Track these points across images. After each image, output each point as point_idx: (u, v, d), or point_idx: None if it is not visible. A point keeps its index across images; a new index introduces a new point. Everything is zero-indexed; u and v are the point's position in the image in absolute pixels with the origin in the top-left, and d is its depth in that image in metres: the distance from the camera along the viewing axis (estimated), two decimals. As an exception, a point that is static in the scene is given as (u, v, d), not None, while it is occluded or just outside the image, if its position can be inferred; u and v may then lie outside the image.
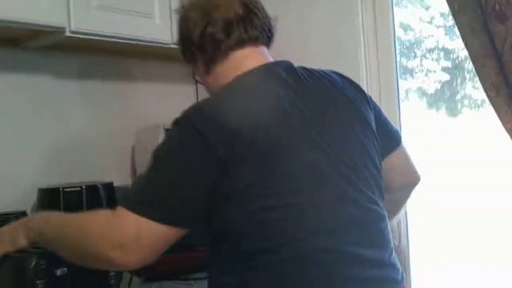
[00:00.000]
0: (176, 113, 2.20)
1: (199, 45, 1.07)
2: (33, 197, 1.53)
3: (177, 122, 0.98)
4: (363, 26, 1.66)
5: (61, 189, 1.45)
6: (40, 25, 1.43)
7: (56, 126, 1.70)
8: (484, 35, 1.29)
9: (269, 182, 0.91)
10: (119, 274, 1.28)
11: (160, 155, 0.96)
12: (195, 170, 0.91)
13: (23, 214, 1.48)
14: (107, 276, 1.20)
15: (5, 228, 1.08)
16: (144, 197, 0.93)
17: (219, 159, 0.89)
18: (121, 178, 1.68)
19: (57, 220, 1.04)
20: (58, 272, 1.09)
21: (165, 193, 0.92)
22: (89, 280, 1.17)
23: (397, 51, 1.67)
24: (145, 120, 1.95)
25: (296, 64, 1.07)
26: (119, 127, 1.87)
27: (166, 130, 1.06)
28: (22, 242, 1.03)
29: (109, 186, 1.55)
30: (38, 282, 1.07)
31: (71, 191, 1.46)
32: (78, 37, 1.51)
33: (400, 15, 1.81)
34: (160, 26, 1.70)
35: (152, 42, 1.70)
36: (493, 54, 1.29)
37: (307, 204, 0.92)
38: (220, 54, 1.06)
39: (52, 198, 1.46)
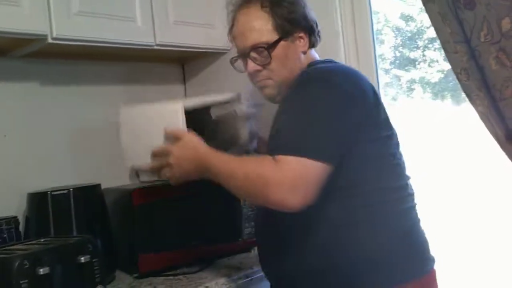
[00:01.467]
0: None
1: (311, 28, 1.29)
2: (24, 202, 1.57)
3: (319, 79, 1.18)
4: (341, 19, 1.68)
5: (49, 193, 1.49)
6: (22, 33, 1.47)
7: (44, 132, 1.74)
8: (454, 21, 1.30)
9: (393, 136, 1.22)
10: (105, 271, 1.31)
11: (309, 106, 1.13)
12: (345, 119, 1.12)
13: (15, 219, 1.52)
14: (92, 273, 1.23)
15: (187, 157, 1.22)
16: (303, 140, 1.08)
17: (365, 111, 1.15)
18: (110, 180, 1.70)
19: (228, 162, 1.16)
20: (41, 271, 1.12)
21: (324, 135, 1.09)
22: (73, 278, 1.20)
23: (394, 43, 1.68)
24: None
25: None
26: (108, 130, 1.90)
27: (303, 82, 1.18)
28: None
29: (97, 188, 1.58)
30: (22, 282, 1.10)
31: (59, 194, 1.49)
32: (61, 44, 1.55)
33: (401, 7, 1.82)
34: (142, 29, 1.73)
35: (135, 44, 1.73)
36: (463, 40, 1.30)
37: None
38: (316, 42, 1.32)
39: (41, 202, 1.49)
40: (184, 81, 2.20)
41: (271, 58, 1.25)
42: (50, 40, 1.51)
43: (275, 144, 1.14)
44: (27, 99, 1.72)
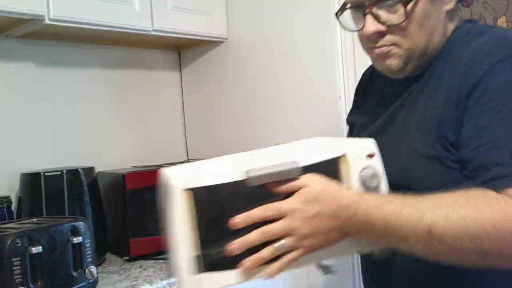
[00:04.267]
0: (162, 100, 2.22)
1: None
2: (16, 182, 1.57)
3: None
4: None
5: (42, 173, 1.49)
6: (19, 13, 1.46)
7: (38, 113, 1.74)
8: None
9: None
10: (97, 253, 1.31)
11: None
12: None
13: (7, 198, 1.52)
14: (83, 255, 1.24)
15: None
16: None
17: None
18: (104, 164, 1.71)
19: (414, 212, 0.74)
20: (33, 250, 1.12)
21: None
22: (65, 259, 1.21)
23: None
24: (130, 107, 2.00)
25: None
26: (101, 114, 1.90)
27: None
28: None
29: (90, 171, 1.58)
30: (13, 260, 1.11)
31: (52, 176, 1.49)
32: (58, 25, 1.54)
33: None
34: (139, 14, 1.72)
35: (132, 29, 1.72)
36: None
37: None
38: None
39: (33, 183, 1.49)
40: (180, 68, 2.21)
41: (406, 17, 0.87)
42: (47, 21, 1.50)
43: (493, 168, 0.75)
44: (21, 79, 1.72)
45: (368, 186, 0.79)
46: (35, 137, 1.71)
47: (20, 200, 1.53)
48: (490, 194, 0.73)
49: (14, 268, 1.11)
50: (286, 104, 1.81)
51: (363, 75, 1.13)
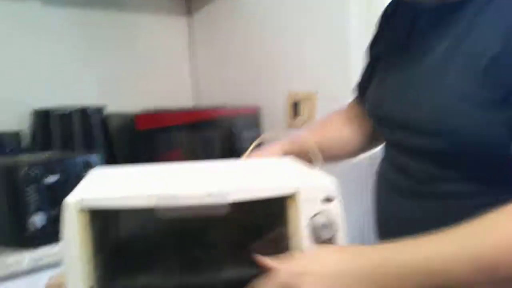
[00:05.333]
0: (169, 45, 2.20)
1: None
2: (27, 119, 1.57)
3: None
4: None
5: (52, 111, 1.49)
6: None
7: (51, 51, 1.72)
8: None
9: None
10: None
11: None
12: None
13: (16, 134, 1.53)
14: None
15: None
16: None
17: None
18: (114, 104, 1.71)
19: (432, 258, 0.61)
20: (46, 180, 1.14)
21: None
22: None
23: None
24: (136, 49, 1.98)
25: None
26: (111, 58, 1.89)
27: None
28: None
29: (100, 111, 1.58)
30: (27, 188, 1.12)
31: (62, 114, 1.50)
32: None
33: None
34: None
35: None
36: None
37: None
38: None
39: (44, 120, 1.50)
40: (189, 13, 2.17)
41: None
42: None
43: None
44: (30, 16, 1.69)
45: (319, 236, 0.64)
46: (46, 75, 1.70)
47: (32, 136, 1.53)
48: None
49: (29, 196, 1.12)
50: (304, 53, 1.79)
51: (389, 4, 0.99)
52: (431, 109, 0.72)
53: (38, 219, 1.13)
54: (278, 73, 1.87)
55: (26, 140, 1.55)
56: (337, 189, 0.65)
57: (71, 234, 0.61)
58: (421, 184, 0.75)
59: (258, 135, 1.86)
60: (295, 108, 1.82)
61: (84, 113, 1.53)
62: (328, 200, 0.64)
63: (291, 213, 0.64)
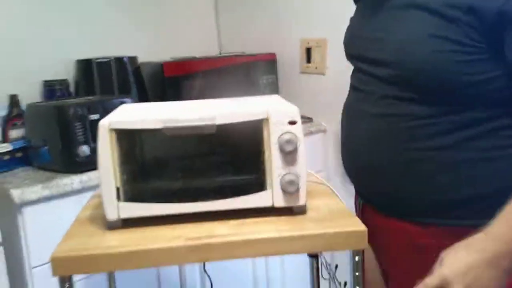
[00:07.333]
0: (196, 1, 2.35)
1: None
2: (72, 67, 1.82)
3: None
4: None
5: (93, 61, 1.73)
6: None
7: (91, 7, 1.94)
8: None
9: None
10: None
11: None
12: None
13: (64, 81, 1.78)
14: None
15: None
16: None
17: None
18: (147, 54, 1.93)
19: None
20: (91, 117, 1.39)
21: None
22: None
23: None
24: (166, 5, 2.16)
25: None
26: (142, 12, 2.09)
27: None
28: None
29: (134, 59, 1.82)
30: (75, 124, 1.38)
31: (101, 63, 1.74)
32: None
33: None
34: None
35: None
36: None
37: None
38: None
39: (86, 68, 1.75)
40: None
41: None
42: None
43: None
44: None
45: (284, 149, 0.85)
46: (88, 30, 1.93)
47: (76, 83, 1.79)
48: None
49: (77, 130, 1.38)
50: (317, 2, 1.92)
51: None
52: (393, 45, 0.89)
53: (84, 149, 1.39)
54: (292, 22, 2.03)
55: (72, 86, 1.81)
56: (298, 114, 0.86)
57: (103, 148, 0.84)
58: (379, 107, 0.93)
59: (275, 79, 2.06)
60: (308, 54, 1.99)
61: (120, 62, 1.76)
62: (292, 123, 0.86)
63: (265, 132, 0.86)
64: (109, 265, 0.81)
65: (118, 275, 1.26)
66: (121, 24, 2.02)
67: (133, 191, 0.86)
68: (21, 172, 1.48)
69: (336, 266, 1.57)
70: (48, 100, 1.69)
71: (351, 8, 1.10)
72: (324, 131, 1.97)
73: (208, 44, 2.32)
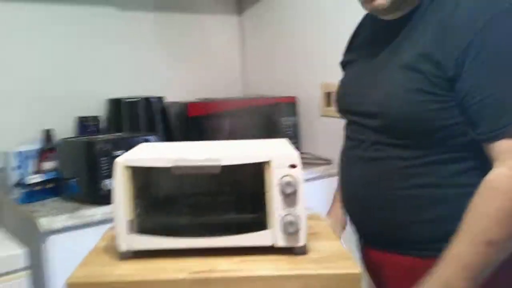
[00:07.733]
0: (221, 43, 2.49)
1: None
2: (103, 106, 1.95)
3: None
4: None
5: (122, 100, 1.85)
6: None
7: (120, 51, 2.08)
8: None
9: None
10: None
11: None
12: None
13: (96, 118, 1.91)
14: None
15: None
16: None
17: None
18: (173, 95, 2.04)
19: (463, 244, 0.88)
20: (116, 153, 1.49)
21: None
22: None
23: None
24: (192, 47, 2.29)
25: None
26: (169, 55, 2.22)
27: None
28: None
29: (160, 100, 1.93)
30: (102, 159, 1.48)
31: (130, 102, 1.85)
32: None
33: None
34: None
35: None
36: None
37: None
38: None
39: (116, 106, 1.86)
40: (240, 13, 2.45)
41: None
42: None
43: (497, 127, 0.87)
44: (107, 21, 2.05)
45: (284, 191, 0.90)
46: (119, 71, 2.07)
47: (108, 120, 1.91)
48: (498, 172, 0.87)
49: (102, 165, 1.48)
50: (337, 49, 1.97)
51: (358, 24, 1.25)
52: (378, 99, 0.99)
53: (108, 183, 1.49)
54: (313, 66, 2.11)
55: (103, 123, 1.93)
56: (299, 159, 0.92)
57: (119, 183, 0.91)
58: (370, 152, 1.03)
59: (296, 122, 2.12)
60: (328, 97, 2.06)
61: (147, 101, 1.88)
62: (292, 166, 0.91)
63: (267, 174, 0.92)
64: (118, 293, 0.88)
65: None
66: (149, 66, 2.15)
67: (144, 224, 0.92)
68: (50, 202, 1.58)
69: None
70: (81, 135, 1.81)
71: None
72: (341, 173, 2.01)
73: (233, 86, 2.42)
